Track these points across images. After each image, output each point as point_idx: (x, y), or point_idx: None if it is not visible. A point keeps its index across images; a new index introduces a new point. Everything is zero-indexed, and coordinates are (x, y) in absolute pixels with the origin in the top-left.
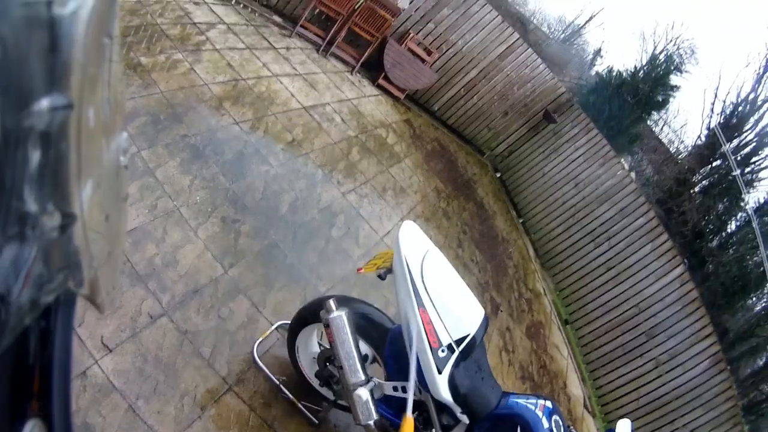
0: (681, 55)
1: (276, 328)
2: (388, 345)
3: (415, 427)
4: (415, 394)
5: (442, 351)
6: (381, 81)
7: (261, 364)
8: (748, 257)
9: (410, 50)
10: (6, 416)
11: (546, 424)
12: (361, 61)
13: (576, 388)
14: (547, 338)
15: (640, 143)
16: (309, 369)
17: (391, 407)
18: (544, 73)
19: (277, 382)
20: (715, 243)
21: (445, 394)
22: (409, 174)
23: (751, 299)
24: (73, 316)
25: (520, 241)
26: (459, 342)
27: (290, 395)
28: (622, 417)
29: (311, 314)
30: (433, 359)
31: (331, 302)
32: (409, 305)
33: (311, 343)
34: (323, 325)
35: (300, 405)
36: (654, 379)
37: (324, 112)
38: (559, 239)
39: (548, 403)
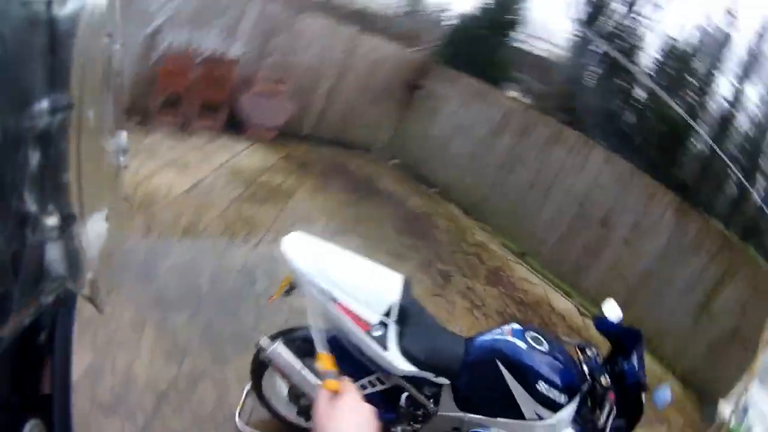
0: None
1: (246, 393)
2: (333, 351)
3: (407, 411)
4: (384, 382)
5: (377, 330)
6: (248, 132)
7: (249, 430)
8: (666, 111)
9: (261, 90)
10: (6, 416)
11: (523, 345)
12: (223, 121)
13: (564, 304)
14: (511, 277)
15: (517, 66)
16: (290, 412)
17: (376, 407)
18: (396, 50)
19: None
20: (631, 117)
21: (405, 366)
22: (309, 202)
23: (689, 146)
24: (73, 316)
25: (441, 208)
26: (388, 314)
27: None
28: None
29: (259, 363)
30: (373, 341)
31: (261, 341)
32: (323, 305)
33: (278, 388)
34: (267, 364)
35: None
36: (631, 258)
37: (206, 185)
38: (476, 187)
39: (514, 325)
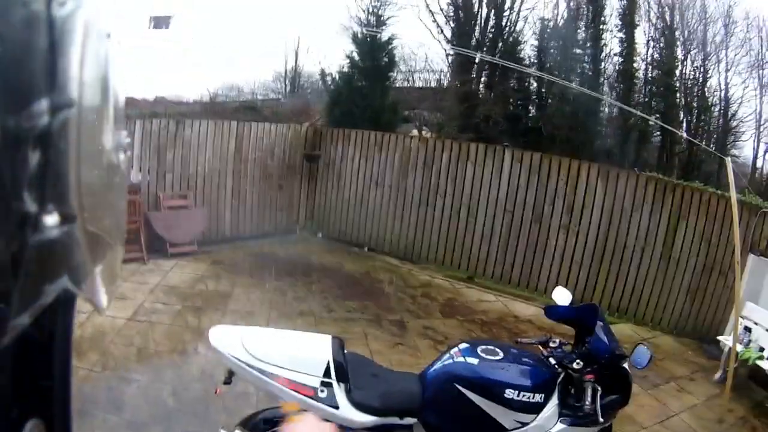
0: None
1: None
2: None
3: None
4: None
5: (321, 392)
6: (171, 249)
7: None
8: (566, 91)
9: (170, 207)
10: (6, 416)
11: (475, 361)
12: (144, 247)
13: (527, 310)
14: (466, 303)
15: (407, 104)
16: None
17: None
18: (285, 130)
19: None
20: (532, 111)
21: (362, 418)
22: (248, 298)
23: (601, 112)
24: (73, 316)
25: (378, 262)
26: (327, 374)
27: None
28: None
29: None
30: (322, 404)
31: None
32: (264, 384)
33: None
34: None
35: None
36: (576, 240)
37: (146, 308)
38: (402, 231)
39: (462, 345)
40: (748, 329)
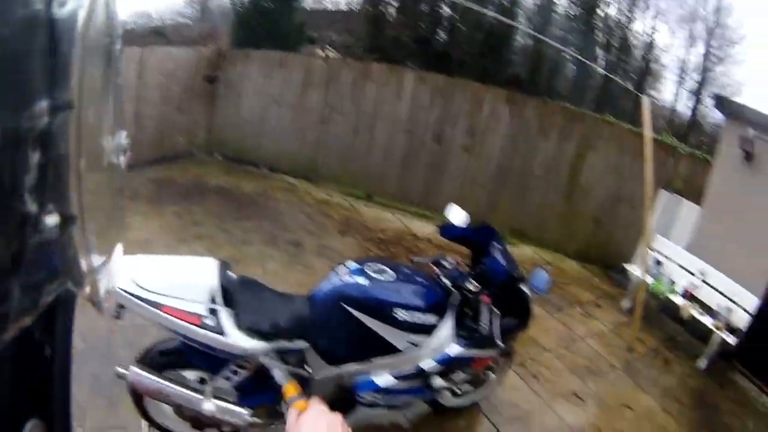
0: None
1: (147, 428)
2: (188, 355)
3: (279, 386)
4: (247, 366)
5: (208, 319)
6: None
7: None
8: (479, 17)
9: None
10: (6, 416)
11: (364, 280)
12: None
13: (426, 228)
14: (364, 222)
15: (314, 26)
16: (186, 429)
17: (254, 393)
18: (188, 52)
19: None
20: (443, 35)
21: (251, 344)
22: (144, 225)
23: (514, 42)
24: (73, 316)
25: (275, 182)
26: (213, 300)
27: None
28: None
29: (134, 393)
30: (209, 331)
31: (118, 370)
32: (151, 315)
33: (164, 410)
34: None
35: None
36: (478, 162)
37: None
38: (301, 150)
39: (350, 263)
40: (658, 262)
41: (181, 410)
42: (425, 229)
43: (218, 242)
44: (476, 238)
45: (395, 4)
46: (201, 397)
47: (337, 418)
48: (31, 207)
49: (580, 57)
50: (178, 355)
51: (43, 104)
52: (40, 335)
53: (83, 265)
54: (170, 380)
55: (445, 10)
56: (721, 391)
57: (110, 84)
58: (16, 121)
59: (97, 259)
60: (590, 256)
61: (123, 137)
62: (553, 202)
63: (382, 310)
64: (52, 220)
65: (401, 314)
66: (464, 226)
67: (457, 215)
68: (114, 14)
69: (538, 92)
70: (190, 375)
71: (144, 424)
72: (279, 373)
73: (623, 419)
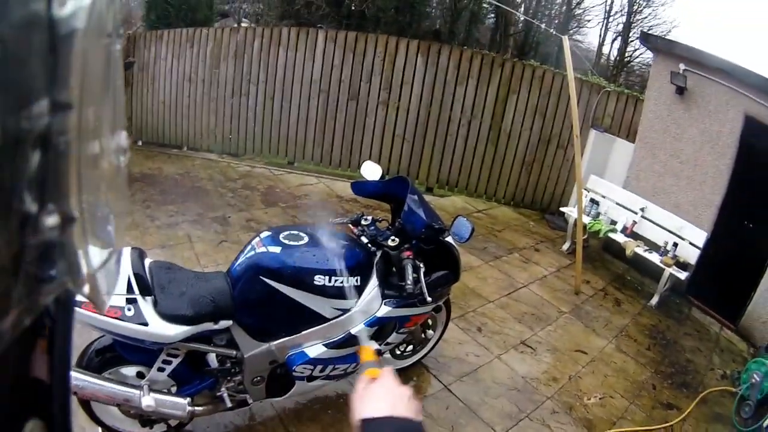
0: None
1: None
2: (120, 350)
3: (219, 370)
4: (177, 354)
5: (128, 310)
6: None
7: None
8: None
9: None
10: (6, 416)
11: (278, 249)
12: None
13: (349, 189)
14: (287, 189)
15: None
16: (136, 428)
17: (191, 381)
18: None
19: None
20: None
21: (176, 330)
22: None
23: (432, 10)
24: (73, 316)
25: (197, 161)
26: (130, 290)
27: None
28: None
29: (79, 399)
30: (129, 323)
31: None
32: (76, 314)
33: (111, 412)
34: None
35: None
36: (397, 115)
37: None
38: (219, 125)
39: (263, 233)
40: (594, 201)
41: (125, 409)
42: (349, 189)
43: (147, 230)
44: (391, 192)
45: None
46: (138, 392)
47: (406, 391)
48: (31, 207)
49: (498, 4)
50: (110, 352)
51: (43, 104)
52: (40, 335)
53: (83, 265)
54: (106, 380)
55: None
56: (679, 327)
57: (110, 84)
58: (16, 121)
59: (97, 260)
60: (523, 201)
61: (123, 137)
62: (479, 149)
63: (300, 278)
64: (52, 220)
65: (321, 280)
66: (376, 180)
67: (372, 171)
68: (114, 14)
69: (457, 42)
70: (128, 371)
71: (98, 430)
72: (212, 357)
73: (578, 364)
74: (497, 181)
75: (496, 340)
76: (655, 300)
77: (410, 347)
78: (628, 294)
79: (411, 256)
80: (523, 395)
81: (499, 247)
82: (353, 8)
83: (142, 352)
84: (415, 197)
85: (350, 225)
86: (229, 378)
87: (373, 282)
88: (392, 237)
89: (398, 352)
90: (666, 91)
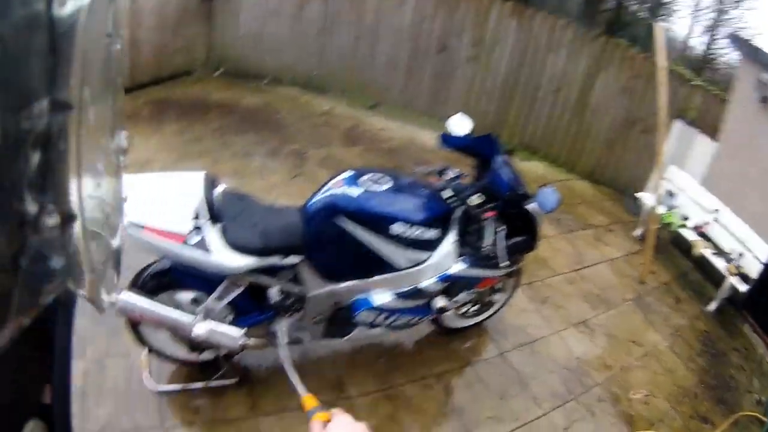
0: None
1: (147, 354)
2: (178, 276)
3: (279, 304)
4: (239, 284)
5: (192, 238)
6: None
7: (162, 388)
8: None
9: None
10: (7, 416)
11: (356, 192)
12: None
13: (432, 140)
14: (369, 131)
15: None
16: (184, 352)
17: (250, 312)
18: None
19: (183, 387)
20: None
21: (240, 261)
22: (144, 146)
23: None
24: (73, 316)
25: (278, 94)
26: (198, 217)
27: (199, 384)
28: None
29: (128, 321)
30: (193, 249)
31: (102, 296)
32: (136, 236)
33: (160, 335)
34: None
35: (213, 383)
36: (487, 73)
37: None
38: (304, 61)
39: (345, 173)
40: (671, 193)
41: (175, 334)
42: (431, 139)
43: (220, 157)
44: (478, 149)
45: None
46: (192, 319)
47: (362, 427)
48: (31, 207)
49: None
50: (168, 276)
51: (43, 104)
52: (40, 335)
53: (83, 265)
54: (160, 304)
55: None
56: (730, 340)
57: (110, 84)
58: (16, 121)
59: (97, 259)
60: (601, 177)
61: (123, 137)
62: (564, 119)
63: (377, 223)
64: (52, 220)
65: (399, 228)
66: (465, 135)
67: (460, 124)
68: (114, 14)
69: (549, 10)
70: (184, 297)
71: (145, 351)
72: (274, 291)
73: (631, 355)
74: (579, 154)
75: (559, 314)
76: (713, 306)
77: (475, 307)
78: (688, 293)
79: (493, 217)
80: (574, 376)
81: (575, 221)
82: None
83: (202, 279)
84: (503, 158)
85: (437, 174)
86: (288, 314)
87: (451, 237)
88: (476, 194)
89: (462, 311)
90: (751, 97)
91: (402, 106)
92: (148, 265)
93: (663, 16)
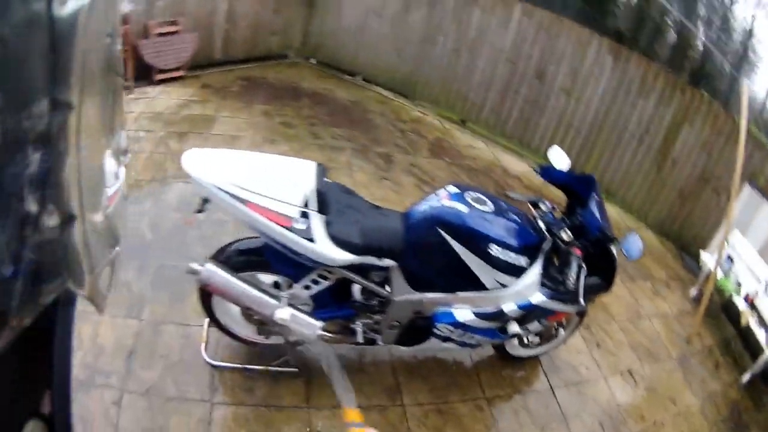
0: None
1: (207, 327)
2: (269, 258)
3: (362, 303)
4: (328, 277)
5: (299, 223)
6: (158, 76)
7: (218, 363)
8: None
9: (160, 34)
10: (7, 416)
11: (464, 208)
12: (131, 77)
13: (517, 166)
14: (456, 146)
15: None
16: (251, 333)
17: (330, 306)
18: None
19: (240, 366)
20: None
21: (340, 255)
22: (233, 122)
23: (619, 7)
24: (73, 316)
25: (370, 93)
26: (307, 204)
27: (259, 368)
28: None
29: (201, 291)
30: (296, 235)
31: (192, 266)
32: (239, 212)
33: (231, 311)
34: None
35: (272, 368)
36: (576, 106)
37: (130, 137)
38: (401, 65)
39: (451, 188)
40: (731, 258)
41: (249, 313)
42: (516, 165)
43: (307, 145)
44: (576, 187)
45: None
46: (276, 302)
47: None
48: (32, 207)
49: (685, 22)
50: (256, 256)
51: (43, 104)
52: (40, 335)
53: (83, 265)
54: (246, 282)
55: None
56: (756, 413)
57: (110, 84)
58: (16, 121)
59: (96, 259)
60: (669, 230)
61: (123, 137)
62: (644, 166)
63: (477, 241)
64: (52, 220)
65: (495, 250)
66: (565, 170)
67: (559, 158)
68: (114, 14)
69: (639, 49)
70: (265, 278)
71: (206, 322)
72: (360, 289)
73: (666, 412)
74: (652, 203)
75: (609, 360)
76: (746, 377)
77: (537, 339)
78: (728, 360)
79: (580, 255)
80: (612, 423)
81: (637, 270)
82: None
83: (292, 266)
84: (599, 200)
85: (530, 205)
86: (368, 314)
87: (537, 267)
88: (567, 230)
89: (526, 341)
90: None
91: (490, 126)
92: (234, 241)
93: (746, 72)
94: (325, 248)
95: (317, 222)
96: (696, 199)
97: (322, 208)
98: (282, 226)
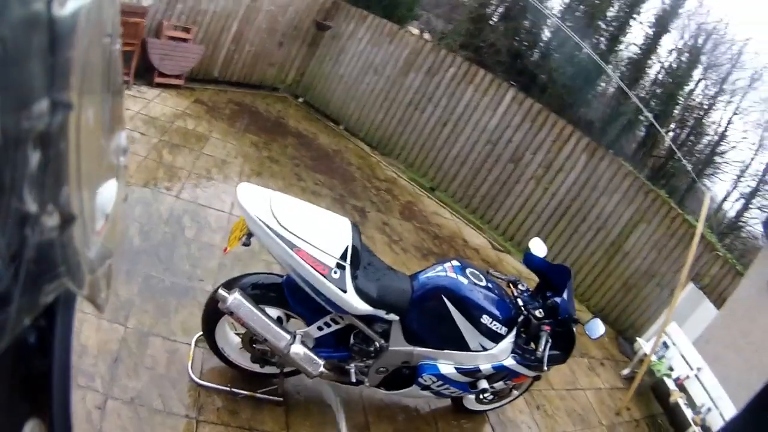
0: None
1: (195, 344)
2: (288, 297)
3: (359, 348)
4: (339, 322)
5: (335, 273)
6: (157, 79)
7: (204, 383)
8: (575, 53)
9: (171, 37)
10: (6, 416)
11: (465, 281)
12: (132, 73)
13: (477, 239)
14: (424, 212)
15: (419, 5)
16: (244, 359)
17: (329, 346)
18: None
19: (228, 389)
20: (536, 56)
21: (362, 306)
22: (222, 145)
23: (598, 86)
24: (73, 316)
25: (351, 144)
26: (343, 257)
27: (246, 392)
28: (531, 238)
29: (213, 313)
30: (332, 284)
31: (221, 292)
32: (283, 253)
33: (230, 336)
34: (228, 314)
35: (258, 395)
36: (542, 195)
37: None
38: (384, 124)
39: (454, 262)
40: (666, 345)
41: (251, 344)
42: (476, 238)
43: (291, 185)
44: (551, 274)
45: (501, 10)
46: (288, 338)
47: None
48: (31, 207)
49: (655, 124)
50: (273, 292)
51: (43, 104)
52: (40, 335)
53: (83, 265)
54: (268, 315)
55: (546, 33)
56: None
57: (110, 84)
58: (16, 121)
59: (96, 259)
60: (608, 316)
61: (123, 137)
62: (595, 255)
63: (473, 311)
64: (52, 220)
65: (486, 319)
66: (544, 259)
67: (538, 248)
68: (114, 14)
69: (606, 141)
70: (272, 312)
71: (193, 341)
72: (359, 335)
73: None
74: (596, 290)
75: (547, 422)
76: None
77: (491, 397)
78: None
79: (549, 331)
80: None
81: (576, 348)
82: (528, 68)
83: (308, 308)
84: (571, 288)
85: (509, 284)
86: (362, 358)
87: (512, 336)
88: (540, 309)
89: (481, 397)
90: (762, 281)
91: (457, 198)
92: (245, 275)
93: (707, 173)
94: (352, 298)
95: (348, 274)
96: (639, 290)
97: (354, 263)
98: (320, 273)
